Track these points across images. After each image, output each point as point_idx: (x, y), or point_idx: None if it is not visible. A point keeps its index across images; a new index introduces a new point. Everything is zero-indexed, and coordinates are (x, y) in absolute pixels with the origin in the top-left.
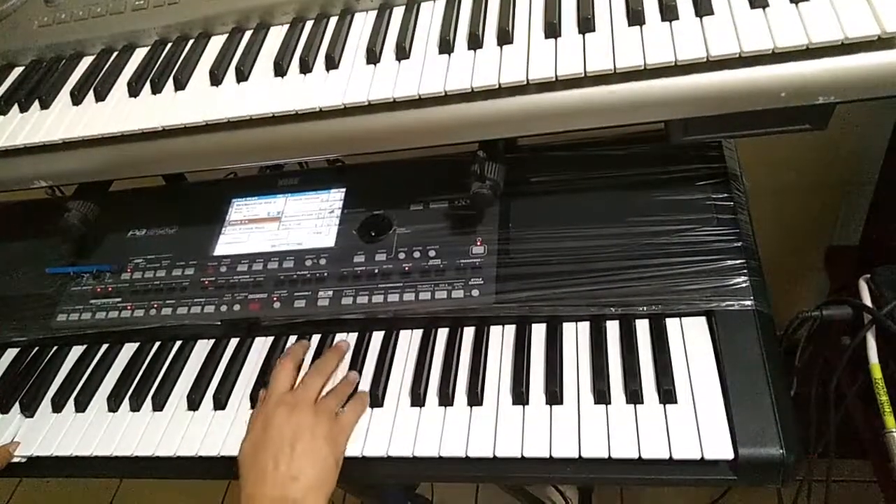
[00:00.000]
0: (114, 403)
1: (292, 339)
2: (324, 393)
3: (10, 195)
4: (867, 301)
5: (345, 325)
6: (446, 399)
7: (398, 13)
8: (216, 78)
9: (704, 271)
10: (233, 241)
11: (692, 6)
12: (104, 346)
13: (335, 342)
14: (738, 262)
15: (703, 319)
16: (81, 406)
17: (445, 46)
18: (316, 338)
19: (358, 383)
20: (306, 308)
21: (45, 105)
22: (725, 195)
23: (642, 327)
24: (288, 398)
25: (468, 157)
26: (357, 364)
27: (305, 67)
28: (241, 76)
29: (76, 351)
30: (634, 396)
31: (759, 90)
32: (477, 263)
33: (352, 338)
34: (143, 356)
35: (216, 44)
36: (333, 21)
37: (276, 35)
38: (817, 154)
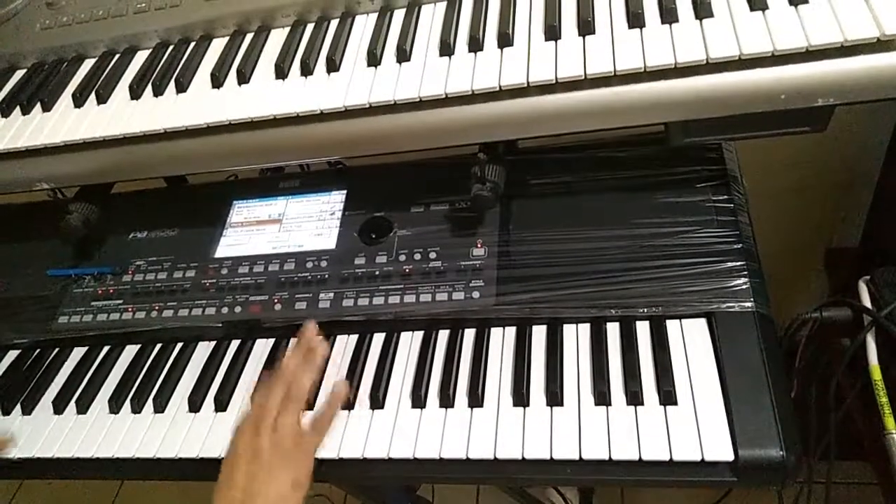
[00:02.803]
0: (115, 405)
1: (293, 341)
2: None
3: (11, 197)
4: (867, 303)
5: (345, 327)
6: (447, 401)
7: (399, 16)
8: (217, 80)
9: (704, 273)
10: (234, 243)
11: (692, 9)
12: (105, 348)
13: (301, 329)
14: (738, 263)
15: (703, 321)
16: (83, 408)
17: (446, 49)
18: None
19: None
20: (307, 310)
21: (47, 108)
22: (725, 197)
23: (643, 329)
24: (253, 419)
25: (469, 159)
26: (358, 366)
27: (306, 70)
28: (243, 78)
29: (77, 353)
30: (635, 398)
31: (759, 92)
32: (477, 265)
33: (352, 340)
34: (144, 358)
35: (218, 46)
36: (334, 24)
37: (277, 38)
38: (817, 155)
